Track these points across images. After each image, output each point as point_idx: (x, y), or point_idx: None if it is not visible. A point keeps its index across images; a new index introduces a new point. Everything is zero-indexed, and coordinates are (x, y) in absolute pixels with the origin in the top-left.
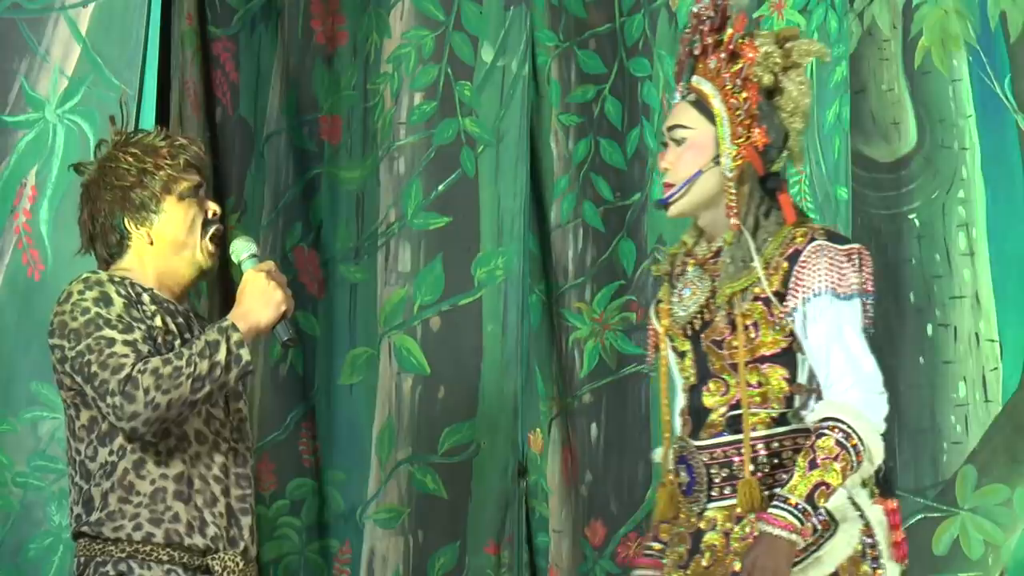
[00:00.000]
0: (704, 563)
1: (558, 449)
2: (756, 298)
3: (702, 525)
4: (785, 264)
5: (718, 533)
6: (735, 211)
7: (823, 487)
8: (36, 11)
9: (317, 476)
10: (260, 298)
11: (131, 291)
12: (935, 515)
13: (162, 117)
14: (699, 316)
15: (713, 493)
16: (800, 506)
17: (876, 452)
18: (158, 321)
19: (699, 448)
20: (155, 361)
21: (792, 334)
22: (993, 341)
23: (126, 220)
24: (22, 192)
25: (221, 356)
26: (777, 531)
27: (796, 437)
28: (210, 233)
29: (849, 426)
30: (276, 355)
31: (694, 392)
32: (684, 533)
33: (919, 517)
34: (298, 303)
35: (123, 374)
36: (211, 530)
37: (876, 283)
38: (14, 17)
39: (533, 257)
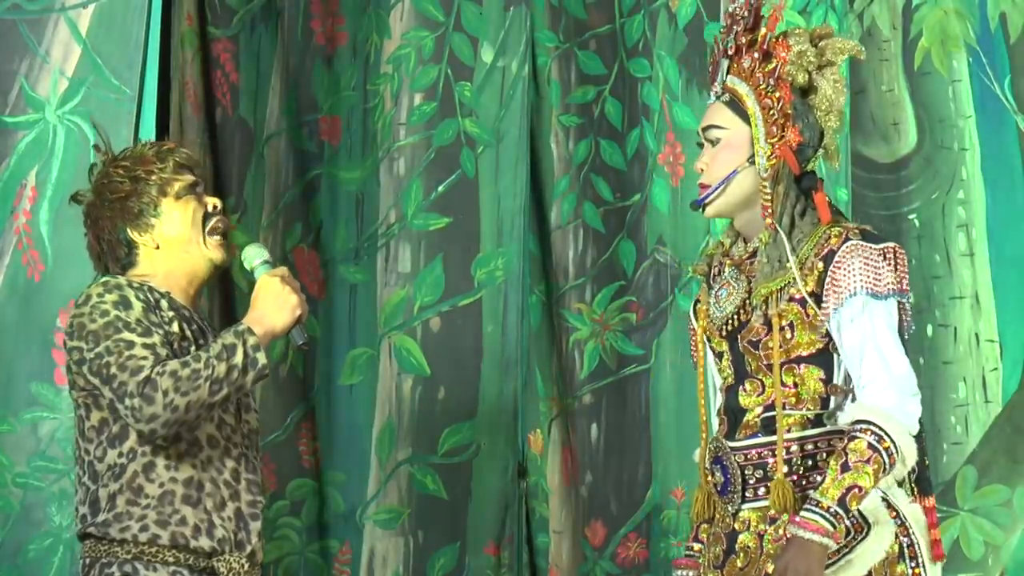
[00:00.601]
0: (739, 564)
1: (558, 450)
2: (791, 299)
3: (736, 526)
4: (820, 264)
5: (752, 534)
6: (770, 211)
7: (855, 490)
8: (36, 12)
9: (317, 476)
10: (275, 302)
11: (149, 296)
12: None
13: (162, 118)
14: (736, 317)
15: (747, 494)
16: (832, 509)
17: (909, 454)
18: (175, 327)
19: (734, 449)
20: (173, 364)
21: (828, 335)
22: (993, 342)
23: (129, 231)
24: (22, 193)
25: (238, 359)
26: (809, 535)
27: (831, 439)
28: (211, 225)
29: (881, 428)
30: (276, 355)
31: (731, 392)
32: (720, 533)
33: None
34: None
35: (142, 376)
36: (219, 532)
37: None
38: (14, 18)
39: (533, 258)
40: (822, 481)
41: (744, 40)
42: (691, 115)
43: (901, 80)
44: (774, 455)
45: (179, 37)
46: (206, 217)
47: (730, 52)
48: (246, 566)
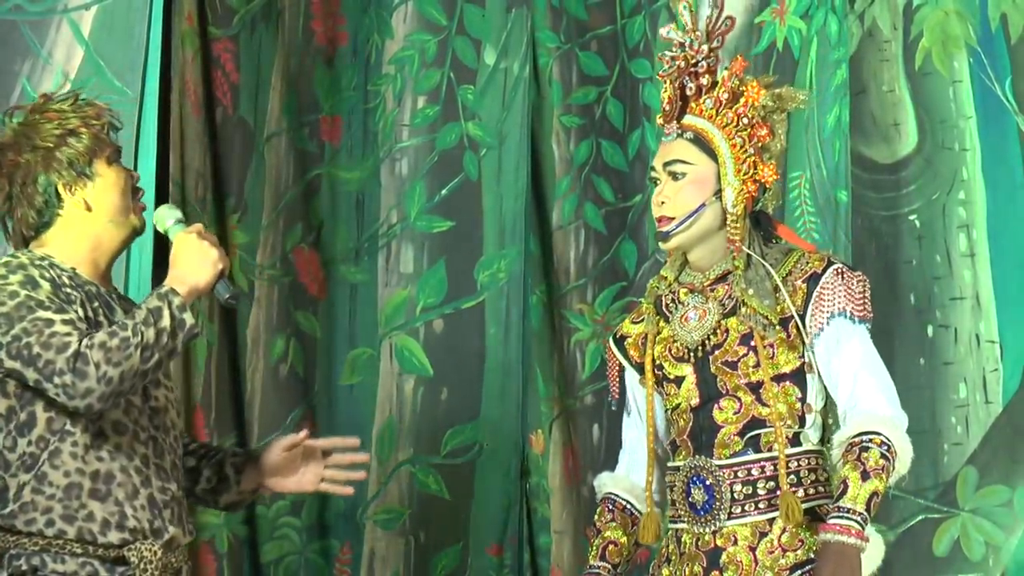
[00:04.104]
0: None
1: (560, 450)
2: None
3: (719, 542)
4: (804, 286)
5: (742, 548)
6: (738, 241)
7: (876, 497)
8: (38, 13)
9: None
10: (195, 259)
11: (54, 274)
12: (935, 516)
13: (163, 118)
14: (707, 339)
15: (734, 511)
16: (863, 515)
17: (906, 464)
18: (78, 310)
19: (720, 467)
20: (100, 335)
21: (802, 355)
22: (993, 342)
23: (57, 184)
24: None
25: (166, 322)
26: (851, 540)
27: (810, 457)
28: (138, 197)
29: (888, 439)
30: (277, 355)
31: (699, 413)
32: (696, 552)
33: (920, 518)
34: (299, 304)
35: (70, 351)
36: (131, 523)
37: (877, 284)
38: (16, 19)
39: (534, 258)
40: (844, 491)
41: (704, 81)
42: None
43: (902, 80)
44: (763, 472)
45: (180, 37)
46: (134, 188)
47: (689, 94)
48: (159, 553)
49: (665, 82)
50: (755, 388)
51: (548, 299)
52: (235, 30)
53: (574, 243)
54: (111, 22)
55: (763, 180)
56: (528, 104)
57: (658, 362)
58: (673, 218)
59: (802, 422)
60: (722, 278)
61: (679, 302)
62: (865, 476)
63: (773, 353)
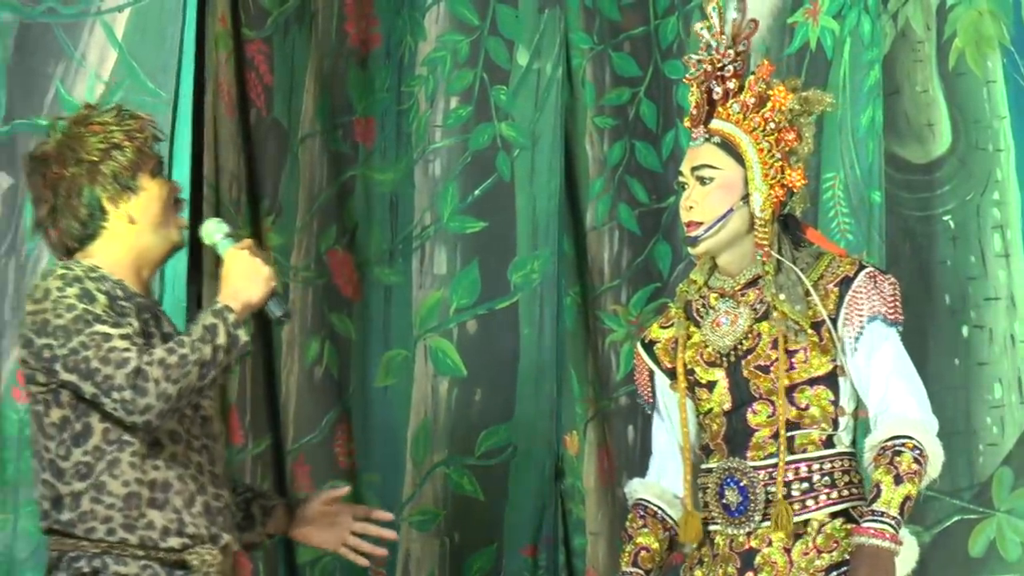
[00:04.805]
0: None
1: (594, 451)
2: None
3: (753, 543)
4: (836, 290)
5: (777, 549)
6: (767, 246)
7: (908, 501)
8: (72, 16)
9: (353, 478)
10: (247, 275)
11: (108, 287)
12: (971, 517)
13: (197, 120)
14: (740, 343)
15: (769, 512)
16: (897, 519)
17: (937, 468)
18: (132, 322)
19: (755, 468)
20: (159, 352)
21: (834, 359)
22: None
23: (101, 196)
24: None
25: (222, 339)
26: (885, 543)
27: (844, 458)
28: (179, 210)
29: (920, 443)
30: (311, 357)
31: (733, 416)
32: (729, 553)
33: (955, 519)
34: (333, 305)
35: (130, 367)
36: (190, 529)
37: (911, 285)
38: (49, 21)
39: (568, 259)
40: (878, 494)
41: (731, 85)
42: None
43: (935, 81)
44: (797, 474)
45: (213, 39)
46: (176, 201)
47: (716, 98)
48: (219, 557)
49: (692, 86)
50: (788, 391)
51: (582, 300)
52: (269, 32)
53: (608, 244)
54: (144, 24)
55: (791, 184)
56: (561, 105)
57: (689, 367)
58: (701, 223)
59: (835, 425)
60: (752, 282)
61: (710, 307)
62: (898, 480)
63: (806, 357)
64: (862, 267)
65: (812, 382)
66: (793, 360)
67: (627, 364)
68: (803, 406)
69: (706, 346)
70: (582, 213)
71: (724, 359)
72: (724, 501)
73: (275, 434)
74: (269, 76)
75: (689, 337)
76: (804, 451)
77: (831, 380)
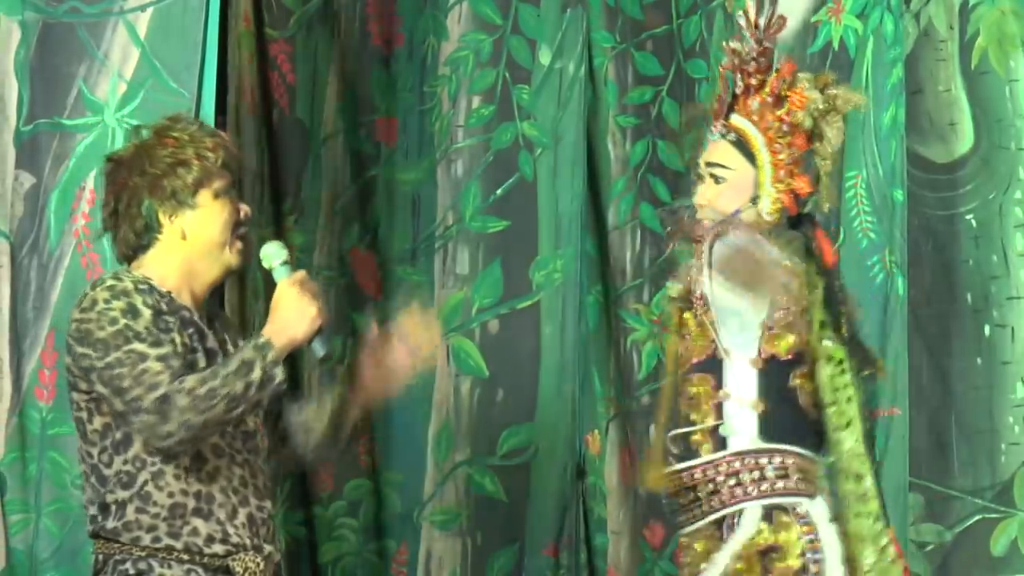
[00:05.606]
0: None
1: (616, 451)
2: None
3: None
4: None
5: None
6: None
7: None
8: (95, 15)
9: (374, 477)
10: (295, 312)
11: (154, 300)
12: (993, 516)
13: (219, 119)
14: None
15: None
16: None
17: None
18: (176, 338)
19: None
20: (191, 380)
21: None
22: None
23: (157, 208)
24: (81, 195)
25: (256, 376)
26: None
27: None
28: (240, 232)
29: None
30: (334, 356)
31: None
32: None
33: (977, 518)
34: (355, 304)
35: (159, 393)
36: (233, 539)
37: (934, 284)
38: (73, 21)
39: (590, 259)
40: None
41: (754, 81)
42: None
43: (958, 80)
44: None
45: (236, 38)
46: (238, 223)
47: (737, 91)
48: (261, 565)
49: (721, 77)
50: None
51: (604, 299)
52: (291, 31)
53: (630, 243)
54: (167, 23)
55: (798, 191)
56: (584, 104)
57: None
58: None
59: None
60: None
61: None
62: None
63: None
64: None
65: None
66: None
67: (649, 363)
68: None
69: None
70: (604, 212)
71: None
72: None
73: None
74: (292, 75)
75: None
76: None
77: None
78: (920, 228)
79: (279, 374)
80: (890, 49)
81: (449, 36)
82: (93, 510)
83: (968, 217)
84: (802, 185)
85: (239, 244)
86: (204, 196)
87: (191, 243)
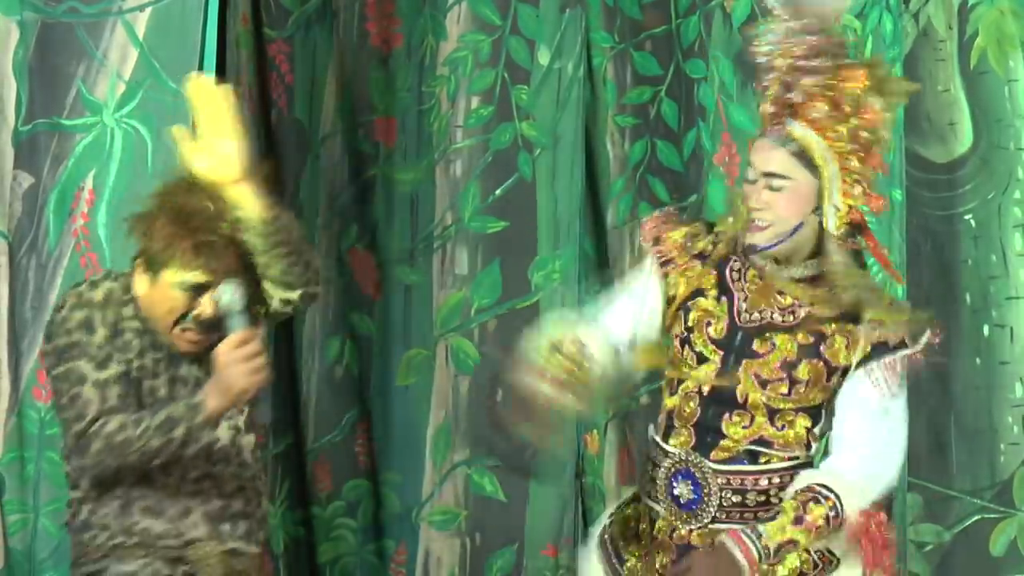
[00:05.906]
0: None
1: (615, 451)
2: (825, 360)
3: (694, 540)
4: (868, 349)
5: None
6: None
7: (791, 545)
8: (93, 15)
9: (373, 477)
10: (237, 374)
11: (120, 317)
12: (992, 516)
13: None
14: (753, 339)
15: (719, 515)
16: (767, 549)
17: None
18: (135, 360)
19: (715, 472)
20: (113, 423)
21: (830, 397)
22: None
23: (141, 251)
24: (80, 196)
25: (178, 435)
26: (741, 558)
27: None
28: (183, 326)
29: (841, 504)
30: (332, 356)
31: (708, 411)
32: (668, 543)
33: (976, 518)
34: (354, 304)
35: (80, 426)
36: (188, 534)
37: (932, 284)
38: (71, 21)
39: (589, 259)
40: (772, 517)
41: (816, 88)
42: (746, 116)
43: (957, 80)
44: (757, 485)
45: (235, 38)
46: (183, 316)
47: (796, 100)
48: (218, 550)
49: (769, 80)
50: (772, 412)
51: None
52: (290, 31)
53: (629, 243)
54: (166, 23)
55: (872, 209)
56: (582, 104)
57: (691, 326)
58: (768, 226)
59: (808, 448)
60: (805, 280)
61: (745, 279)
62: (798, 522)
63: (807, 390)
64: (904, 343)
65: (799, 410)
66: (793, 389)
67: None
68: (781, 427)
69: (719, 320)
70: (603, 212)
71: (729, 343)
72: (675, 492)
73: (296, 433)
74: (290, 75)
75: (703, 294)
76: (767, 462)
77: (816, 410)
78: (919, 228)
79: (205, 437)
80: (889, 49)
81: (448, 36)
82: (68, 507)
83: (967, 217)
84: (880, 205)
85: (188, 335)
86: (166, 276)
87: (146, 299)
